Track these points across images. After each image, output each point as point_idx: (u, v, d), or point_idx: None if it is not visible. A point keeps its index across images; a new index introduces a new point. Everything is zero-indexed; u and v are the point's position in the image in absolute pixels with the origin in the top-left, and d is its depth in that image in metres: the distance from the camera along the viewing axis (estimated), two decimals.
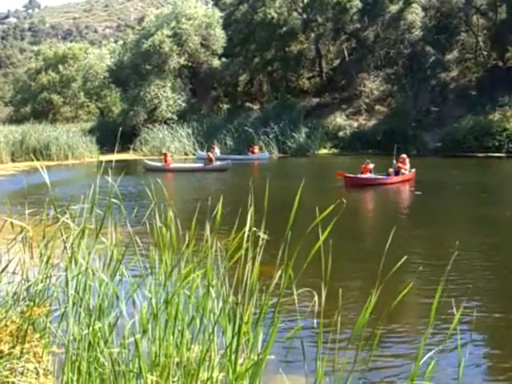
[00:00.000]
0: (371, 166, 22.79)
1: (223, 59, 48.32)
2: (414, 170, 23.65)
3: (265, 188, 3.81)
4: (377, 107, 43.44)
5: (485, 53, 43.18)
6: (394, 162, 23.38)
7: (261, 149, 39.01)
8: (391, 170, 23.06)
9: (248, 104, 49.76)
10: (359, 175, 22.56)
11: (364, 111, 43.64)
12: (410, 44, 44.66)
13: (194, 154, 39.62)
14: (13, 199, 4.29)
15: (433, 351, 3.34)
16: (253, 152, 37.65)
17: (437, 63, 42.92)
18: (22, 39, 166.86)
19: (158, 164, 30.87)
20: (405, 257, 3.24)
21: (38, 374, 3.06)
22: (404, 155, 24.05)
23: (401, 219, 15.63)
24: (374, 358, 5.73)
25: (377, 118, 42.30)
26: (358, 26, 46.80)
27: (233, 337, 3.57)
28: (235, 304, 3.79)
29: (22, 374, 3.08)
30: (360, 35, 46.96)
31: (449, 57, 44.06)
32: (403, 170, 23.26)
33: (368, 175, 22.62)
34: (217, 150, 36.09)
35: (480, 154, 33.73)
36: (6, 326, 3.01)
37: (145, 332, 3.80)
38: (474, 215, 15.59)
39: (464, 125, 36.57)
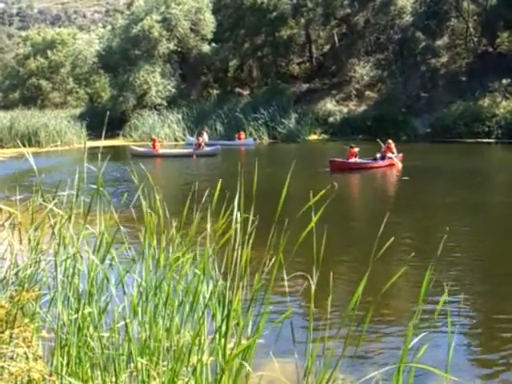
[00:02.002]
0: (356, 149, 22.89)
1: (213, 44, 48.11)
2: (401, 154, 23.73)
3: (253, 173, 3.80)
4: (367, 93, 43.46)
5: (475, 39, 43.19)
6: (383, 146, 23.45)
7: (248, 135, 39.04)
8: (378, 154, 23.20)
9: (238, 89, 49.62)
10: (344, 159, 22.67)
11: (354, 97, 43.63)
12: (401, 29, 44.62)
13: (183, 140, 39.57)
14: (1, 185, 4.28)
15: (422, 334, 3.36)
16: (239, 138, 37.67)
17: (427, 49, 42.92)
18: (10, 24, 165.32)
19: (145, 150, 30.72)
20: (392, 238, 3.25)
21: (27, 358, 3.05)
22: (390, 141, 24.14)
23: (388, 204, 15.67)
24: (364, 342, 5.77)
25: (367, 103, 42.32)
26: (349, 11, 46.69)
27: (222, 320, 3.57)
28: (224, 288, 3.80)
29: (11, 358, 3.07)
30: (350, 20, 46.86)
31: (439, 42, 44.04)
32: (389, 155, 23.36)
33: (353, 159, 22.70)
34: (205, 136, 36.06)
35: (469, 140, 33.84)
36: None
37: (135, 316, 3.80)
38: (462, 200, 15.64)
39: (454, 110, 36.66)
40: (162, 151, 30.98)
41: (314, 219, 3.43)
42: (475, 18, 43.52)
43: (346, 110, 42.36)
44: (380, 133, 31.84)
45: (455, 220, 12.97)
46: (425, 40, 43.02)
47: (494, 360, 6.07)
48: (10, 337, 3.08)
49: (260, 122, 40.49)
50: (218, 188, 3.95)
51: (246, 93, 48.58)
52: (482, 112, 35.75)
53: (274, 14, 47.11)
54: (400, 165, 23.21)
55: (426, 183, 18.99)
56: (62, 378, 3.35)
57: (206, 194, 4.25)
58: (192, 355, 3.79)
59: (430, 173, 21.38)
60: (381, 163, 23.08)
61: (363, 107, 41.94)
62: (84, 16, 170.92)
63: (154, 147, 30.67)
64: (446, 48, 44.16)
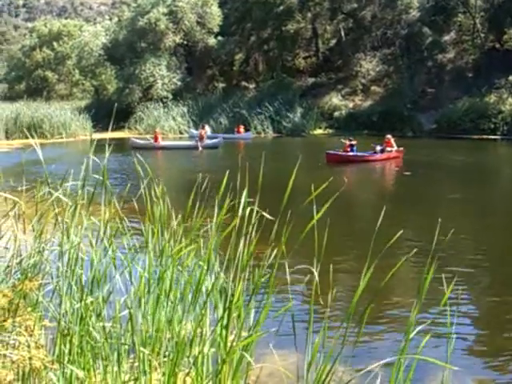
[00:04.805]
0: (353, 142, 22.91)
1: (219, 38, 48.00)
2: (401, 148, 23.70)
3: (255, 167, 3.82)
4: (373, 88, 43.32)
5: (482, 35, 42.96)
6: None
7: (252, 129, 39.08)
8: (378, 147, 23.18)
9: (243, 83, 49.53)
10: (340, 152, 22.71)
11: (360, 92, 43.52)
12: (407, 25, 44.43)
13: (187, 133, 39.59)
14: (7, 176, 4.29)
15: (423, 326, 3.37)
16: (238, 131, 37.72)
17: (434, 44, 42.75)
18: (17, 16, 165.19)
19: (146, 142, 30.72)
20: (400, 231, 3.25)
21: (29, 347, 3.06)
22: (389, 136, 24.15)
23: (388, 198, 15.63)
24: (365, 335, 5.78)
25: (373, 98, 42.19)
26: (355, 5, 46.50)
27: (223, 312, 3.59)
28: (226, 280, 3.81)
29: (13, 347, 3.09)
30: (357, 15, 46.67)
31: (446, 38, 43.88)
32: (388, 148, 23.37)
33: (351, 153, 22.73)
34: (207, 129, 36.06)
35: (475, 136, 33.72)
36: None
37: (138, 306, 3.82)
38: (465, 196, 15.58)
39: (460, 107, 36.52)
40: (163, 143, 30.99)
41: (318, 214, 3.44)
42: (482, 13, 43.27)
43: (351, 104, 42.26)
44: (385, 128, 31.81)
45: (457, 215, 12.96)
46: (431, 35, 42.84)
47: (496, 352, 6.08)
48: (13, 325, 3.10)
49: (265, 115, 40.42)
50: (225, 181, 3.95)
51: (251, 86, 48.49)
52: (488, 108, 35.59)
53: (281, 7, 46.91)
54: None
55: (429, 178, 18.94)
56: (63, 367, 3.37)
57: (203, 185, 4.25)
58: (193, 346, 3.81)
59: (433, 168, 21.32)
60: (378, 156, 23.07)
61: (369, 102, 41.82)
62: (90, 8, 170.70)
63: (156, 139, 30.70)
64: (453, 44, 43.99)
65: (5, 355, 2.97)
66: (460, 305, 7.02)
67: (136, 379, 3.64)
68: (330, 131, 40.18)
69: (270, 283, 3.62)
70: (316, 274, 3.43)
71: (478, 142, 32.56)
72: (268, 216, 3.74)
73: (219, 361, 3.50)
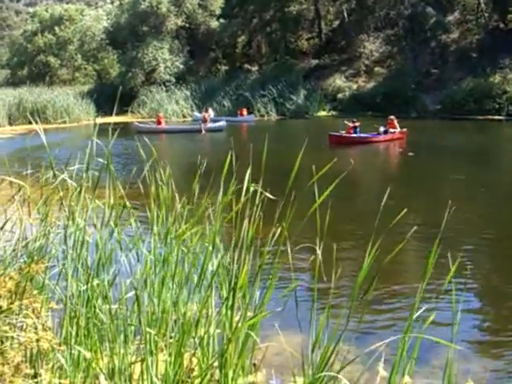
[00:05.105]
0: (357, 124, 22.85)
1: (221, 20, 47.82)
2: (404, 129, 23.63)
3: (259, 149, 3.82)
4: (376, 69, 43.10)
5: (486, 14, 42.60)
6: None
7: (256, 111, 39.06)
8: (381, 129, 23.13)
9: (246, 65, 49.35)
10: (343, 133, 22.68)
11: (363, 73, 43.32)
12: (411, 5, 44.06)
13: (191, 116, 39.56)
14: (11, 161, 4.31)
15: (428, 305, 3.39)
16: (241, 114, 37.68)
17: (437, 24, 42.41)
18: (18, 1, 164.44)
19: (150, 126, 30.72)
20: (404, 210, 3.26)
21: (36, 329, 3.10)
22: (392, 116, 24.11)
23: (392, 180, 15.58)
24: (369, 315, 5.81)
25: (376, 79, 41.98)
26: None
27: (229, 293, 3.61)
28: (231, 261, 3.83)
29: (21, 329, 3.13)
30: None
31: (449, 18, 43.54)
32: (391, 130, 23.33)
33: (354, 134, 22.70)
34: (211, 112, 36.04)
35: (479, 117, 33.55)
36: (4, 282, 3.04)
37: (144, 287, 3.85)
38: (468, 176, 15.51)
39: (464, 87, 36.31)
40: (167, 127, 30.99)
41: (323, 195, 3.44)
42: None
43: (355, 86, 42.09)
44: (389, 109, 31.65)
45: (461, 195, 12.94)
46: (435, 15, 42.49)
47: (502, 333, 6.11)
48: (20, 307, 3.13)
49: (268, 98, 40.33)
50: (227, 162, 3.96)
51: (254, 69, 48.30)
52: (493, 89, 35.37)
53: None
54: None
55: (432, 159, 18.89)
56: (70, 348, 3.40)
57: (207, 167, 4.26)
58: (199, 327, 3.84)
59: (437, 149, 21.26)
60: (381, 137, 23.02)
61: (372, 83, 41.62)
62: None
63: (159, 123, 30.69)
64: (457, 24, 43.65)
65: (12, 337, 3.00)
66: (466, 284, 7.04)
67: (143, 360, 3.67)
68: (334, 113, 40.05)
69: (274, 263, 3.64)
70: (319, 252, 3.44)
71: (482, 122, 32.40)
72: (270, 196, 3.76)
73: (225, 340, 3.53)
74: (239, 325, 3.43)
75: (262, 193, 3.83)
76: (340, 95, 41.34)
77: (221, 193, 4.04)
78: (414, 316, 3.13)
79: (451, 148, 21.75)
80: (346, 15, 48.05)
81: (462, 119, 32.64)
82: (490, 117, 33.78)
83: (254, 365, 4.32)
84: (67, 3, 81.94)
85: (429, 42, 42.24)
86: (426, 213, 10.95)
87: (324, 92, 41.63)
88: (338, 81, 42.52)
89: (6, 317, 3.03)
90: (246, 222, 3.74)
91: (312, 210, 3.42)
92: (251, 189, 3.79)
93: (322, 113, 40.43)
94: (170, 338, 3.72)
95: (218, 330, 3.86)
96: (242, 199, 3.79)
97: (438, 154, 20.20)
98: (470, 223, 10.40)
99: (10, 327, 3.06)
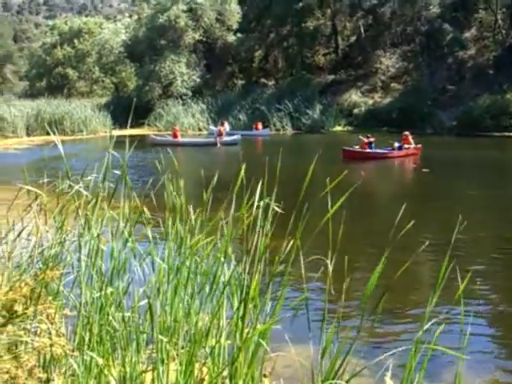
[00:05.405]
0: (372, 140, 22.89)
1: (238, 35, 48.13)
2: (419, 145, 23.63)
3: (273, 163, 3.87)
4: (392, 84, 43.12)
5: (503, 31, 42.56)
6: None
7: (272, 125, 39.21)
8: (396, 144, 23.15)
9: (263, 80, 49.59)
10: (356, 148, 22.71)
11: (379, 88, 43.36)
12: (427, 21, 44.19)
13: (206, 130, 39.75)
14: (29, 170, 4.39)
15: (439, 317, 3.40)
16: (256, 128, 37.79)
17: (454, 41, 42.44)
18: (37, 14, 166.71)
19: (165, 138, 30.91)
20: (412, 221, 3.28)
21: (50, 334, 3.15)
22: (407, 132, 24.18)
23: (406, 195, 15.55)
24: (379, 326, 5.81)
25: (392, 95, 41.99)
26: (375, 2, 46.36)
27: (240, 303, 3.65)
28: (243, 272, 3.87)
29: (35, 334, 3.18)
30: (376, 11, 46.51)
31: (466, 35, 43.54)
32: (406, 145, 23.35)
33: (368, 149, 22.73)
34: (226, 125, 36.20)
35: (496, 134, 33.40)
36: (20, 287, 3.10)
37: (157, 295, 3.90)
38: (484, 193, 15.46)
39: (481, 104, 36.18)
40: (182, 140, 31.18)
41: (335, 206, 3.48)
42: (504, 10, 42.87)
43: (371, 101, 42.12)
44: (405, 125, 31.60)
45: (476, 212, 12.89)
46: (452, 32, 42.54)
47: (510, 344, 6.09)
48: (34, 313, 3.18)
49: (284, 112, 40.46)
50: (241, 175, 4.01)
51: (270, 83, 48.52)
52: (510, 105, 35.25)
53: (301, 4, 46.87)
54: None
55: (447, 175, 18.83)
56: (83, 355, 3.45)
57: (221, 180, 4.31)
58: (210, 337, 3.87)
59: (452, 165, 21.19)
60: (395, 153, 23.01)
61: (388, 99, 41.64)
62: (110, 5, 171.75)
63: (175, 136, 30.90)
64: (474, 40, 43.62)
65: (26, 342, 3.05)
66: (477, 298, 7.02)
67: (153, 369, 3.71)
68: (350, 128, 40.06)
69: (285, 274, 3.67)
70: (331, 264, 3.47)
71: (499, 139, 32.24)
72: (277, 209, 3.80)
73: (235, 349, 3.56)
74: (250, 332, 3.47)
75: (279, 205, 3.87)
76: (356, 110, 41.39)
77: (233, 205, 4.08)
78: (425, 327, 3.15)
79: (467, 164, 21.68)
80: (362, 31, 48.21)
81: (479, 136, 32.49)
82: (507, 133, 33.60)
83: (265, 375, 4.34)
84: (86, 16, 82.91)
85: (445, 58, 42.23)
86: (438, 229, 10.93)
87: (340, 107, 41.70)
88: (354, 96, 42.59)
89: (20, 321, 3.08)
90: (257, 233, 3.78)
91: (324, 220, 3.45)
92: (263, 202, 3.83)
93: (338, 128, 40.45)
94: (182, 348, 3.76)
95: (229, 342, 3.89)
96: (254, 212, 3.83)
97: (454, 170, 20.14)
98: (484, 240, 10.36)
99: (25, 332, 3.12)
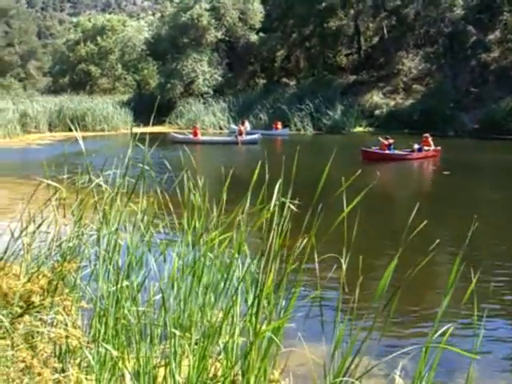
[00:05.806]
0: (391, 141, 22.79)
1: (261, 34, 48.11)
2: (438, 147, 23.49)
3: (291, 163, 3.89)
4: (414, 86, 42.82)
5: None
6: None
7: (293, 125, 39.17)
8: (415, 146, 23.04)
9: (284, 79, 49.55)
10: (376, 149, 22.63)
11: (401, 90, 43.07)
12: (451, 23, 43.80)
13: (227, 128, 39.84)
14: (49, 165, 4.45)
15: (451, 319, 3.40)
16: (276, 128, 37.75)
17: (478, 43, 42.04)
18: (62, 10, 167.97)
19: (185, 136, 30.97)
20: (425, 221, 3.28)
21: (66, 325, 3.20)
22: (427, 134, 24.08)
23: (425, 197, 15.48)
24: (391, 326, 5.81)
25: (414, 97, 41.70)
26: (399, 3, 46.02)
27: (254, 299, 3.67)
28: (258, 269, 3.90)
29: (51, 325, 3.23)
30: (400, 12, 46.18)
31: (490, 37, 43.09)
32: (426, 147, 23.24)
33: (387, 151, 22.64)
34: (247, 125, 36.22)
35: None
36: (37, 278, 3.16)
37: (172, 290, 3.94)
38: (504, 197, 15.32)
39: (504, 107, 35.79)
40: (202, 138, 31.26)
41: (350, 205, 3.50)
42: None
43: (392, 103, 41.88)
44: (426, 127, 31.36)
45: (495, 215, 12.80)
46: (476, 34, 42.16)
47: None
48: (51, 304, 3.24)
49: (305, 112, 40.39)
50: (256, 173, 4.04)
51: (292, 83, 48.46)
52: None
53: (323, 4, 46.69)
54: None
55: (468, 178, 18.70)
56: (98, 347, 3.50)
57: (239, 178, 4.34)
58: (223, 333, 3.91)
59: (473, 168, 21.02)
60: (415, 155, 22.91)
61: (410, 101, 41.34)
62: (134, 3, 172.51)
63: (196, 134, 30.98)
64: (498, 43, 43.16)
65: (43, 332, 3.11)
66: (491, 300, 6.99)
67: (167, 364, 3.75)
68: (371, 129, 39.84)
69: (299, 272, 3.69)
70: (344, 264, 3.49)
71: None
72: (292, 207, 3.82)
73: (248, 344, 3.58)
74: (263, 327, 3.49)
75: (295, 203, 3.89)
76: (377, 112, 41.18)
77: (247, 202, 4.11)
78: (436, 327, 3.15)
79: (488, 167, 21.50)
80: (385, 32, 47.95)
81: (501, 139, 32.15)
82: None
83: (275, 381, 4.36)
84: (110, 14, 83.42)
85: (469, 60, 41.85)
86: (457, 230, 10.86)
87: (361, 108, 41.50)
88: (376, 97, 42.38)
89: (37, 312, 3.14)
90: (273, 231, 3.81)
91: (339, 219, 3.47)
92: (280, 200, 3.85)
93: (359, 129, 40.28)
94: (195, 343, 3.79)
95: (243, 339, 3.92)
96: (271, 209, 3.85)
97: (475, 173, 19.99)
98: (504, 243, 10.29)
99: (41, 323, 3.17)
